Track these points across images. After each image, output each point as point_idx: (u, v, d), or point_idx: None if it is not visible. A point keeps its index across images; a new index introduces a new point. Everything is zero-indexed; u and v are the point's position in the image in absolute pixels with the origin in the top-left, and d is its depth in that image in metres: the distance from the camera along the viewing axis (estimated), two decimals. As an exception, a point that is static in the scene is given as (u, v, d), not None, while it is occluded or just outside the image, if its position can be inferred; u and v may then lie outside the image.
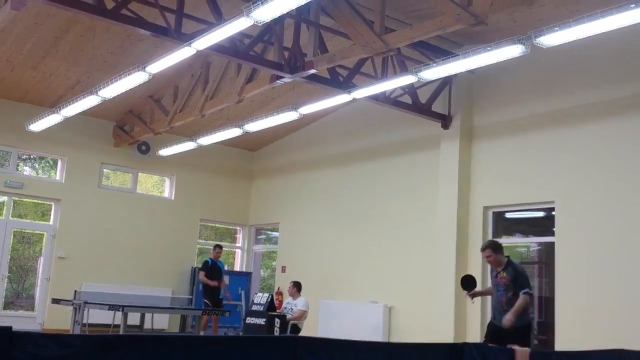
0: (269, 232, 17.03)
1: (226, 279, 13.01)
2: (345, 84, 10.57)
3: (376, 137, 13.63)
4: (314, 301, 12.61)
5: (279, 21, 9.46)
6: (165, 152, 14.76)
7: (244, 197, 16.89)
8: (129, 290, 13.49)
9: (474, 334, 10.66)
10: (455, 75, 10.88)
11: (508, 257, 7.66)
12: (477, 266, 10.77)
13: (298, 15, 9.62)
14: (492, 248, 7.61)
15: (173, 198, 15.96)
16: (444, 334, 10.85)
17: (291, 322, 11.42)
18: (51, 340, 2.86)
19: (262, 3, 7.24)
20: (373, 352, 4.11)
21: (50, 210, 14.47)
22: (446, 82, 11.66)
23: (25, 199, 14.34)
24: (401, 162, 13.00)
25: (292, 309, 11.70)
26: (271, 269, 16.77)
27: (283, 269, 15.29)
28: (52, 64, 11.96)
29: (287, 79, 10.09)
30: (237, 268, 16.75)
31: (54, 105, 12.58)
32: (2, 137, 13.59)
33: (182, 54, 9.04)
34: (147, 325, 12.33)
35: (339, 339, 3.95)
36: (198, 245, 16.30)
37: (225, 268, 13.83)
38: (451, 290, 11.05)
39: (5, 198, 13.98)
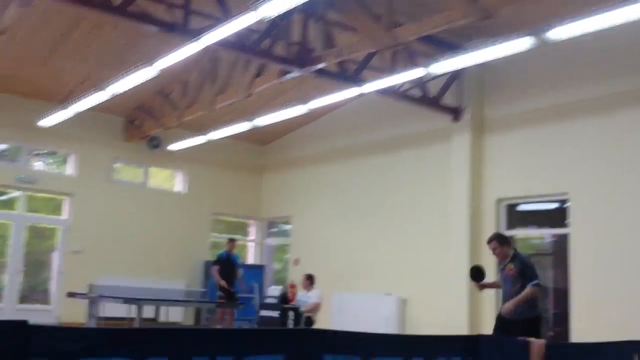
0: (282, 225, 17.04)
1: (241, 271, 13.04)
2: (354, 78, 10.52)
3: (386, 131, 13.57)
4: (327, 294, 12.61)
5: (286, 16, 9.41)
6: (175, 146, 14.81)
7: (255, 191, 16.90)
8: (143, 283, 13.54)
9: (489, 326, 10.58)
10: (465, 67, 10.78)
11: (515, 249, 7.64)
12: (490, 259, 10.53)
13: (306, 9, 9.56)
14: (498, 240, 7.57)
15: (185, 192, 16.00)
16: (458, 326, 10.82)
17: (305, 314, 11.45)
18: (67, 333, 2.88)
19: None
20: (387, 344, 4.10)
21: (63, 205, 14.55)
22: (456, 75, 11.55)
23: (38, 194, 14.42)
24: (412, 155, 12.95)
25: (305, 302, 11.73)
26: (284, 262, 16.79)
27: (296, 262, 15.31)
28: (61, 60, 11.97)
29: (296, 73, 10.06)
30: (250, 261, 16.78)
31: (64, 101, 12.63)
32: (14, 132, 13.66)
33: (190, 49, 9.03)
34: (162, 318, 12.39)
35: (353, 332, 3.93)
36: (211, 239, 16.34)
37: (240, 261, 13.86)
38: (465, 283, 10.95)
39: (18, 193, 14.08)
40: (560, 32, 7.64)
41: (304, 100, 11.26)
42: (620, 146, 9.74)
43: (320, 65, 9.79)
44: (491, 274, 8.30)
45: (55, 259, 14.38)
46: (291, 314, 11.34)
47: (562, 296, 10.56)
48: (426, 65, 9.14)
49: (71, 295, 11.75)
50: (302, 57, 9.79)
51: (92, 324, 11.07)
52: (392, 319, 12.37)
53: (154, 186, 15.87)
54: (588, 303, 9.77)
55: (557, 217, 11.00)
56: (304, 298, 11.85)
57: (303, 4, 7.77)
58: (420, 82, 11.32)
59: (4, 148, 14.22)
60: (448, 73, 11.02)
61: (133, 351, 2.94)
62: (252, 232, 17.23)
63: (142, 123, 14.59)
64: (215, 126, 13.50)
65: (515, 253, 7.54)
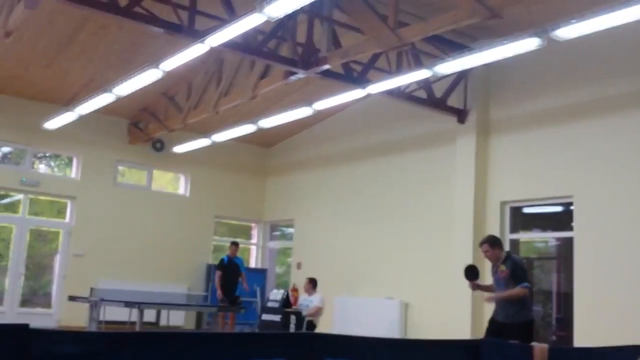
0: (284, 229, 17.01)
1: (244, 275, 13.04)
2: (360, 79, 10.51)
3: (391, 133, 13.55)
4: (329, 298, 12.58)
5: (292, 17, 9.40)
6: (179, 149, 14.80)
7: (258, 194, 16.87)
8: (145, 287, 13.50)
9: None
10: (471, 68, 10.77)
11: (508, 251, 7.75)
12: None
13: (311, 10, 9.56)
14: (490, 243, 7.62)
15: (188, 195, 15.98)
16: (460, 331, 10.77)
17: (307, 318, 11.40)
18: (67, 337, 2.86)
19: (275, -2, 7.20)
20: (389, 348, 4.07)
21: (66, 208, 14.52)
22: (462, 76, 11.54)
23: (41, 197, 14.40)
24: (416, 158, 12.91)
25: (307, 306, 11.69)
26: (286, 266, 16.75)
27: (298, 266, 15.28)
28: (66, 62, 11.99)
29: (301, 74, 10.05)
30: (252, 265, 16.74)
31: (69, 103, 12.64)
32: (18, 135, 13.67)
33: (196, 50, 9.03)
34: (163, 322, 12.35)
35: (355, 336, 3.91)
36: (213, 242, 16.31)
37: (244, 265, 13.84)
38: (468, 287, 10.94)
39: (21, 196, 14.05)
40: (566, 32, 7.60)
41: (309, 101, 11.25)
42: (627, 149, 9.67)
43: (326, 67, 9.77)
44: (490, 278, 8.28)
45: (58, 262, 14.34)
46: (293, 318, 11.30)
47: (566, 300, 10.51)
48: (432, 66, 9.12)
49: (72, 299, 11.71)
50: (307, 58, 9.77)
51: (93, 328, 11.02)
52: (395, 323, 12.33)
53: (157, 189, 15.85)
54: (592, 307, 9.70)
55: (561, 220, 10.96)
56: (306, 302, 11.82)
57: (308, 4, 7.77)
58: (426, 83, 11.31)
59: (8, 151, 14.21)
60: (454, 74, 11.00)
61: (134, 355, 2.92)
62: (255, 236, 17.20)
63: (146, 125, 14.58)
64: (220, 128, 13.49)
65: (507, 255, 7.63)
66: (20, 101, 13.51)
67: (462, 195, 11.57)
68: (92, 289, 11.78)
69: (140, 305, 10.16)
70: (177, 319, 14.21)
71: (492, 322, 7.58)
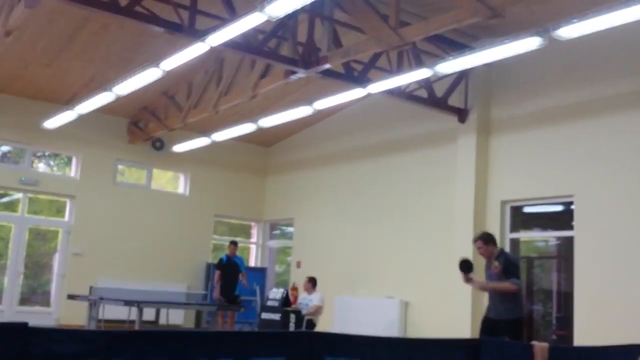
0: (284, 228, 17.00)
1: (244, 274, 13.05)
2: (360, 79, 10.49)
3: (392, 132, 13.54)
4: (329, 297, 12.58)
5: (292, 16, 9.39)
6: (179, 148, 14.78)
7: (258, 193, 16.86)
8: (144, 286, 13.51)
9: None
10: (472, 68, 10.75)
11: (502, 248, 7.85)
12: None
13: (312, 9, 9.55)
14: (483, 240, 7.71)
15: (188, 194, 15.97)
16: (460, 330, 10.77)
17: (306, 317, 11.40)
18: (66, 335, 2.85)
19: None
20: (389, 347, 4.06)
21: (65, 207, 14.50)
22: (462, 75, 11.53)
23: (40, 196, 14.38)
24: (417, 157, 12.90)
25: (307, 304, 11.69)
26: (286, 265, 16.75)
27: (298, 265, 15.27)
28: (66, 62, 11.96)
29: (302, 74, 10.03)
30: (252, 264, 16.73)
31: (68, 102, 12.61)
32: (17, 134, 13.64)
33: (196, 50, 9.01)
34: (163, 320, 12.35)
35: (355, 335, 3.91)
36: (213, 241, 16.30)
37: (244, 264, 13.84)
38: (468, 286, 10.93)
39: (20, 195, 14.03)
40: (568, 32, 7.60)
41: (310, 101, 11.23)
42: (627, 149, 9.67)
43: (326, 66, 9.75)
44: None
45: (57, 261, 14.32)
46: (293, 317, 11.30)
47: (566, 299, 10.52)
48: (432, 65, 9.11)
49: (72, 297, 11.70)
50: (308, 58, 9.76)
51: (92, 327, 11.02)
52: (394, 322, 12.33)
53: (157, 188, 15.83)
54: (592, 306, 9.71)
55: (562, 219, 10.96)
56: (306, 301, 11.82)
57: (309, 4, 7.76)
58: (427, 83, 11.30)
59: (8, 150, 14.19)
60: (455, 73, 10.99)
61: (133, 354, 2.92)
62: (255, 235, 17.18)
63: (146, 124, 14.57)
64: (220, 128, 13.48)
65: (501, 252, 7.72)
66: (20, 100, 13.48)
67: (462, 195, 11.56)
68: (91, 288, 11.78)
69: (139, 304, 10.16)
70: (176, 318, 14.20)
71: (486, 320, 7.67)
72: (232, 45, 9.19)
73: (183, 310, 14.43)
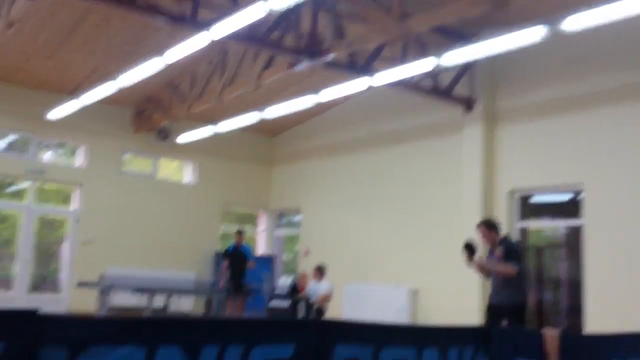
0: (291, 217, 17.00)
1: (252, 263, 13.09)
2: (365, 70, 10.40)
3: (397, 122, 13.48)
4: (338, 285, 12.58)
5: (296, 7, 9.29)
6: (185, 138, 14.76)
7: (264, 182, 16.86)
8: (153, 274, 13.60)
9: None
10: (477, 58, 10.64)
11: (506, 235, 8.02)
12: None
13: (315, 0, 9.44)
14: (486, 226, 7.85)
15: (194, 183, 15.98)
16: (469, 317, 10.75)
17: (315, 305, 11.42)
18: (77, 322, 2.83)
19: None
20: (401, 334, 4.04)
21: (73, 196, 14.55)
22: (468, 65, 11.40)
23: (47, 185, 14.42)
24: (423, 147, 12.85)
25: (315, 292, 11.71)
26: (294, 253, 16.77)
27: (306, 253, 15.28)
28: (68, 54, 11.91)
29: (306, 64, 9.95)
30: (259, 252, 16.77)
31: (72, 93, 12.59)
32: (23, 124, 13.65)
33: (199, 41, 8.94)
34: (172, 308, 12.42)
35: (365, 322, 3.88)
36: (220, 230, 16.32)
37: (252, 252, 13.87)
38: (476, 274, 10.93)
39: (28, 184, 14.08)
40: (574, 23, 7.51)
41: (314, 91, 11.16)
42: (634, 139, 9.63)
43: (330, 57, 9.67)
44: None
45: (65, 249, 14.40)
46: (301, 305, 11.33)
47: (575, 288, 10.49)
48: (438, 56, 9.01)
49: (82, 284, 11.78)
50: (312, 48, 9.67)
51: (103, 314, 11.10)
52: (404, 309, 12.34)
53: (163, 177, 15.85)
54: (602, 295, 9.70)
55: (570, 208, 10.90)
56: (315, 289, 11.83)
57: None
58: (432, 73, 11.18)
59: (14, 139, 14.22)
60: (460, 64, 10.88)
61: (144, 340, 2.91)
62: (262, 223, 17.19)
63: (151, 114, 14.54)
64: (225, 117, 13.44)
65: (504, 238, 7.85)
66: (24, 91, 13.47)
67: (469, 184, 11.52)
68: (101, 275, 11.84)
69: (150, 292, 10.20)
70: (186, 306, 14.30)
71: (489, 307, 7.77)
72: (236, 36, 9.10)
73: (192, 298, 14.51)
